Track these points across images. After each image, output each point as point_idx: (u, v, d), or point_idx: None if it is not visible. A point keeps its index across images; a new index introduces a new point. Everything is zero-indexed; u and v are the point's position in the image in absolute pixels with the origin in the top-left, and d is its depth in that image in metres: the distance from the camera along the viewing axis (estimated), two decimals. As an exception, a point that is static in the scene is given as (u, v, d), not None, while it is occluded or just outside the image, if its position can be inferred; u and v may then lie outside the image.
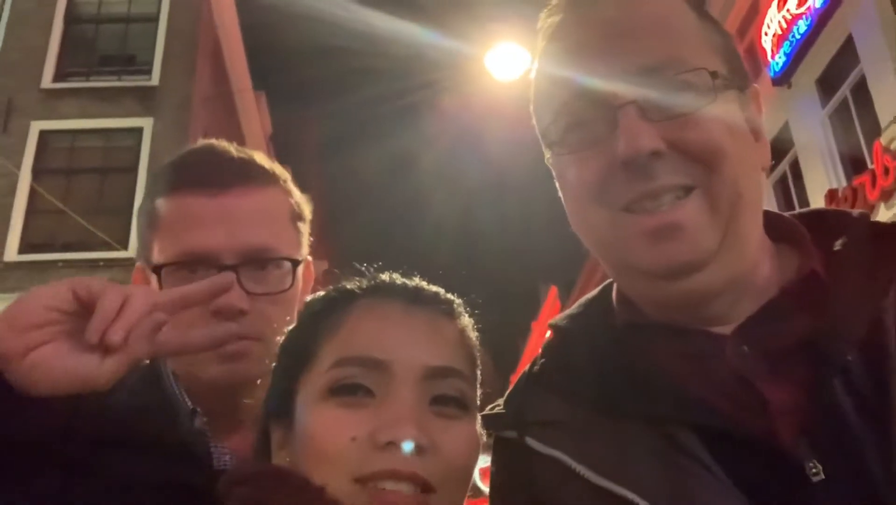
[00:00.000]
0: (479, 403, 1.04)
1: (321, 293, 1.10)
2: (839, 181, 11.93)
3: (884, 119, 10.53)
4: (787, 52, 12.73)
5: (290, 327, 1.08)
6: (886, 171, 10.25)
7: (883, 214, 10.16)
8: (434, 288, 1.06)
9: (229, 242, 1.25)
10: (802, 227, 1.05)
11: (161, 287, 1.25)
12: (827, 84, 12.34)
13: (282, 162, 1.46)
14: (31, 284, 1.01)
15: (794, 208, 1.19)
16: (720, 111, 0.95)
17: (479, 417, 1.03)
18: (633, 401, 0.96)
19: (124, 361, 0.95)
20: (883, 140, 10.41)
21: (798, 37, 12.43)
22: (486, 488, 1.12)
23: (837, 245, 1.01)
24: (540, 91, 1.06)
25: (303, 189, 1.43)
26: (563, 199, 1.06)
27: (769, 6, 13.18)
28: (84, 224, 12.73)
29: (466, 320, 1.06)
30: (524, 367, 1.13)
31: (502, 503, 1.09)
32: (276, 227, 1.32)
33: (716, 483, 0.88)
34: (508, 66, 10.61)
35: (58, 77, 14.74)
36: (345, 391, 0.94)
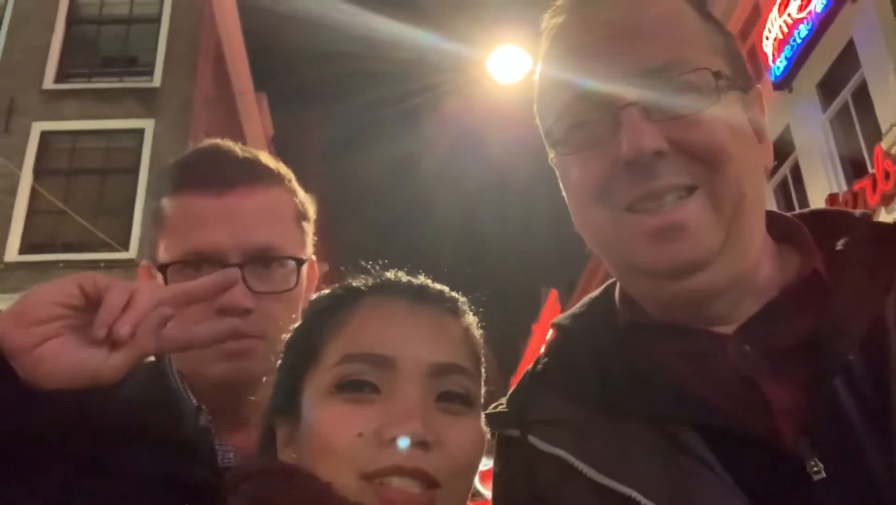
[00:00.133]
0: (483, 401, 1.04)
1: (326, 291, 1.10)
2: (840, 185, 11.94)
3: (884, 123, 10.54)
4: (789, 56, 12.75)
5: (296, 325, 1.09)
6: (887, 175, 10.26)
7: (884, 219, 10.06)
8: (438, 286, 1.07)
9: (234, 241, 1.25)
10: (804, 227, 1.05)
11: (166, 286, 1.25)
12: (828, 88, 12.36)
13: (283, 164, 1.47)
14: (32, 285, 1.01)
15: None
16: (723, 112, 0.96)
17: (483, 416, 1.04)
18: (635, 400, 0.96)
19: (130, 356, 0.96)
20: (884, 144, 10.42)
21: (799, 41, 12.45)
22: (485, 491, 1.12)
23: (839, 245, 1.01)
24: (543, 91, 1.07)
25: (304, 192, 1.44)
26: (566, 198, 1.06)
27: (770, 10, 13.20)
28: (85, 225, 12.74)
29: (471, 318, 1.06)
30: (525, 369, 1.14)
31: (505, 502, 1.09)
32: (280, 226, 1.33)
33: (717, 482, 0.88)
34: (510, 69, 10.62)
35: (59, 78, 14.76)
36: (351, 388, 0.95)
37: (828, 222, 1.06)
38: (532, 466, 1.01)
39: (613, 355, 1.02)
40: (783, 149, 12.90)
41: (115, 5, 15.86)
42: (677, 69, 0.95)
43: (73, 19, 15.52)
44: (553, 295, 29.44)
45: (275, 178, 1.36)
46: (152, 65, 15.07)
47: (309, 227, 1.41)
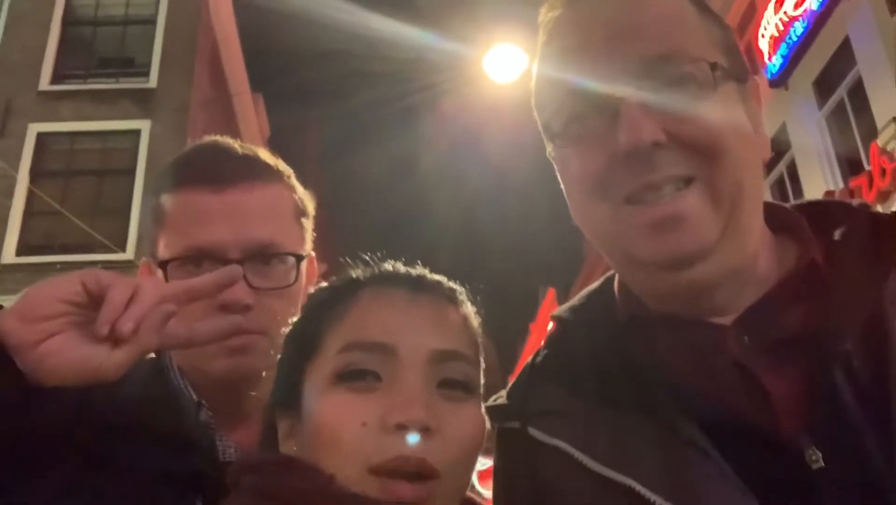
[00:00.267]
0: (482, 390, 1.05)
1: (325, 284, 1.11)
2: (836, 183, 11.95)
3: (880, 121, 10.56)
4: (784, 54, 12.77)
5: (295, 318, 1.09)
6: (883, 172, 10.28)
7: (880, 216, 10.16)
8: (436, 276, 1.07)
9: (234, 237, 1.26)
10: (802, 217, 1.06)
11: (167, 282, 1.26)
12: (824, 86, 12.38)
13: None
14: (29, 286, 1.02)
15: (790, 210, 1.19)
16: (720, 103, 0.96)
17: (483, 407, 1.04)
18: (635, 391, 0.97)
19: (133, 352, 0.96)
20: (880, 142, 10.44)
21: (795, 39, 12.47)
22: (484, 491, 1.12)
23: (837, 235, 1.01)
24: (541, 85, 1.07)
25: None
26: (564, 192, 1.07)
27: (766, 8, 13.22)
28: (82, 226, 12.72)
29: (469, 307, 1.07)
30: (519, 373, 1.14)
31: (506, 495, 1.10)
32: (280, 222, 1.33)
33: (717, 472, 0.88)
34: (506, 68, 10.62)
35: (56, 79, 14.72)
36: (352, 376, 0.95)
37: (826, 213, 1.06)
38: (533, 459, 1.02)
39: (612, 347, 1.03)
40: (779, 146, 12.91)
41: (111, 6, 15.83)
42: (675, 61, 0.96)
43: (68, 20, 15.48)
44: (551, 294, 29.44)
45: (274, 174, 1.37)
46: (148, 66, 15.03)
47: (308, 224, 1.42)
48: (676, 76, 0.95)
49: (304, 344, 1.02)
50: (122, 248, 12.84)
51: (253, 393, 1.23)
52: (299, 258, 1.34)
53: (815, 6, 11.89)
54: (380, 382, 0.95)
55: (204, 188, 1.28)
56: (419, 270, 1.07)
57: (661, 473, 0.90)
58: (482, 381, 1.04)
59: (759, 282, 0.99)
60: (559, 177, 1.08)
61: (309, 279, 1.40)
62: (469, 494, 1.00)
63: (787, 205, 1.10)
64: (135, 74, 15.09)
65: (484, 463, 1.08)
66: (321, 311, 1.03)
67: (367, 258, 1.09)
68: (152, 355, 1.24)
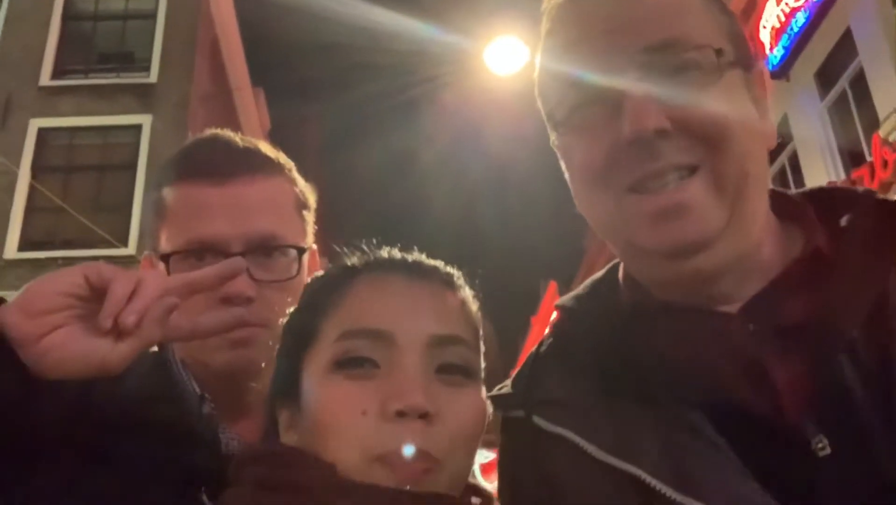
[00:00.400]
0: (482, 375, 1.04)
1: (321, 272, 1.10)
2: (838, 174, 11.92)
3: (882, 112, 10.53)
4: (786, 45, 12.72)
5: (292, 308, 1.09)
6: (885, 163, 10.25)
7: (882, 207, 10.14)
8: (433, 261, 1.07)
9: (236, 230, 1.26)
10: (808, 204, 1.05)
11: (169, 275, 1.26)
12: (825, 77, 12.34)
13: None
14: (31, 282, 1.01)
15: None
16: (725, 90, 0.95)
17: (484, 390, 1.03)
18: (639, 380, 0.97)
19: (136, 345, 0.96)
20: (881, 133, 10.41)
21: (796, 30, 12.41)
22: (487, 485, 1.12)
23: (843, 222, 1.01)
24: (545, 73, 1.06)
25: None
26: (568, 181, 1.06)
27: (767, -1, 13.18)
28: (83, 221, 12.73)
29: (467, 292, 1.06)
30: (524, 361, 1.14)
31: (510, 483, 1.10)
32: (281, 215, 1.33)
33: (723, 459, 0.88)
34: (507, 61, 10.60)
35: (56, 74, 14.73)
36: (351, 364, 0.94)
37: (831, 199, 1.05)
38: (537, 447, 1.01)
39: (617, 336, 1.02)
40: (781, 138, 12.88)
41: (111, 1, 15.83)
42: (679, 47, 0.95)
43: (69, 15, 15.47)
44: (552, 287, 29.44)
45: (275, 167, 1.37)
46: (149, 60, 15.04)
47: (309, 217, 1.42)
48: (681, 63, 0.95)
49: (301, 334, 1.01)
50: (124, 244, 12.86)
51: (255, 385, 1.23)
52: (301, 251, 1.34)
53: (816, -3, 11.85)
54: (378, 369, 0.94)
55: (205, 181, 1.28)
56: (415, 256, 1.06)
57: (666, 461, 0.90)
58: (482, 365, 1.03)
59: (765, 270, 0.98)
60: (563, 166, 1.07)
61: (310, 272, 1.40)
62: (471, 480, 1.00)
63: (792, 192, 1.09)
64: (135, 69, 15.09)
65: (487, 456, 1.08)
66: (317, 299, 1.03)
67: (363, 246, 1.08)
68: (155, 348, 1.24)
